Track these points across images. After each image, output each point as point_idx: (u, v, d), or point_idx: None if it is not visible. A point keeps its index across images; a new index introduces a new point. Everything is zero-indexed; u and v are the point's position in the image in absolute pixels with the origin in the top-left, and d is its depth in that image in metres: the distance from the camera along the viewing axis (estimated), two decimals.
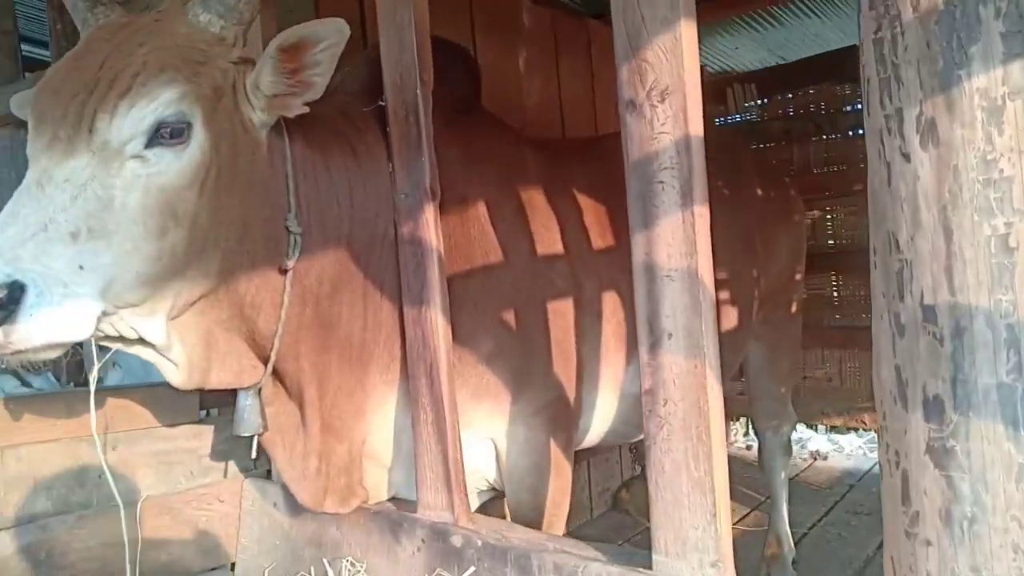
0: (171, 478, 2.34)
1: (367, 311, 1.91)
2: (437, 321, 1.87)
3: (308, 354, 1.83)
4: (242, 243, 1.63)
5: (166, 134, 1.48)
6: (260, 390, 1.85)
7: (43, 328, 1.33)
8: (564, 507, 2.30)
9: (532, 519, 2.24)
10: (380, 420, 2.02)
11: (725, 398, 1.48)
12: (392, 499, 2.19)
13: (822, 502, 4.56)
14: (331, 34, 1.60)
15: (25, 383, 3.32)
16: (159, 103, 1.47)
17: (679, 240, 1.42)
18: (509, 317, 2.08)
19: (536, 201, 2.25)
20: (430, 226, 1.86)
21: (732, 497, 4.53)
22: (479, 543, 1.81)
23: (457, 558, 1.84)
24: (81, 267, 1.37)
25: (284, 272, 1.73)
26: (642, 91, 1.44)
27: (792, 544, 3.56)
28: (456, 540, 1.85)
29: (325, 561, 2.16)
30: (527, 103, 3.70)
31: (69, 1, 1.66)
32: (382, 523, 2.04)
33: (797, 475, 5.04)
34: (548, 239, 2.22)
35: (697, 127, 1.41)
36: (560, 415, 2.23)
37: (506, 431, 2.16)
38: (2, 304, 1.28)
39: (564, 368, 2.21)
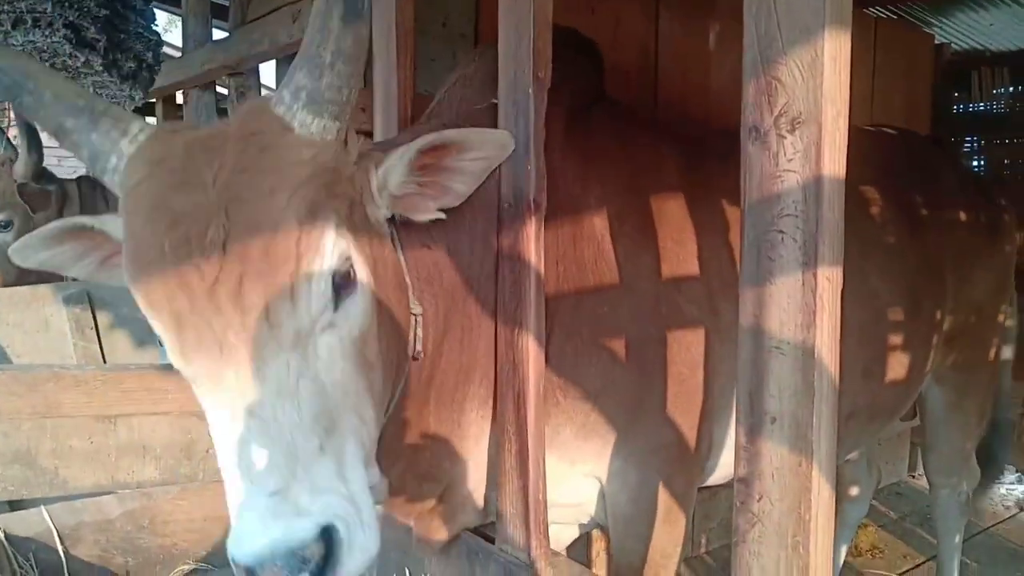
0: None
1: (463, 352, 1.71)
2: (529, 346, 1.69)
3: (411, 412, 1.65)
4: (394, 351, 1.44)
5: (340, 286, 1.25)
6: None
7: (361, 559, 1.18)
8: (675, 559, 2.06)
9: (636, 567, 2.03)
10: (477, 457, 1.86)
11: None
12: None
13: (1019, 566, 3.89)
14: (489, 146, 1.40)
15: None
16: (332, 261, 1.23)
17: (795, 307, 1.14)
18: (624, 348, 1.85)
19: (669, 210, 1.97)
20: (530, 241, 1.67)
21: (911, 538, 3.96)
22: None
23: None
24: (345, 477, 1.20)
25: (415, 359, 1.54)
26: (769, 116, 1.16)
27: None
28: None
29: (407, 570, 2.09)
30: (713, 85, 3.37)
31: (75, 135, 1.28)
32: (461, 548, 1.92)
33: (994, 526, 4.36)
34: (680, 257, 1.95)
35: (835, 168, 1.11)
36: (680, 457, 1.98)
37: (615, 472, 1.95)
38: (324, 560, 1.13)
39: (689, 405, 1.95)
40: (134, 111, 3.85)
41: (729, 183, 1.88)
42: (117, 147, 1.25)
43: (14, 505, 2.17)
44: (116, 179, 1.26)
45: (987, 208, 2.80)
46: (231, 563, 1.13)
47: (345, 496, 1.19)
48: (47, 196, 3.99)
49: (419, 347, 1.54)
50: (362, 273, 1.30)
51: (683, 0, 3.28)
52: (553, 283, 1.80)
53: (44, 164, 4.08)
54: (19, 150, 3.97)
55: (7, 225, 3.90)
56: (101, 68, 2.83)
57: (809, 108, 1.10)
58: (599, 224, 1.86)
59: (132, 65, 2.98)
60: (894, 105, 4.20)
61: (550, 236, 1.77)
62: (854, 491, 3.27)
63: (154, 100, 4.18)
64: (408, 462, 1.68)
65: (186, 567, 2.16)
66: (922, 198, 2.57)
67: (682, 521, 2.00)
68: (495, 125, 1.76)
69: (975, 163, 4.87)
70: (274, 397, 1.15)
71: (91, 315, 3.42)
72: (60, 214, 4.02)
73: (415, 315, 1.53)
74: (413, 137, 1.50)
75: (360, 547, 1.17)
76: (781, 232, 1.15)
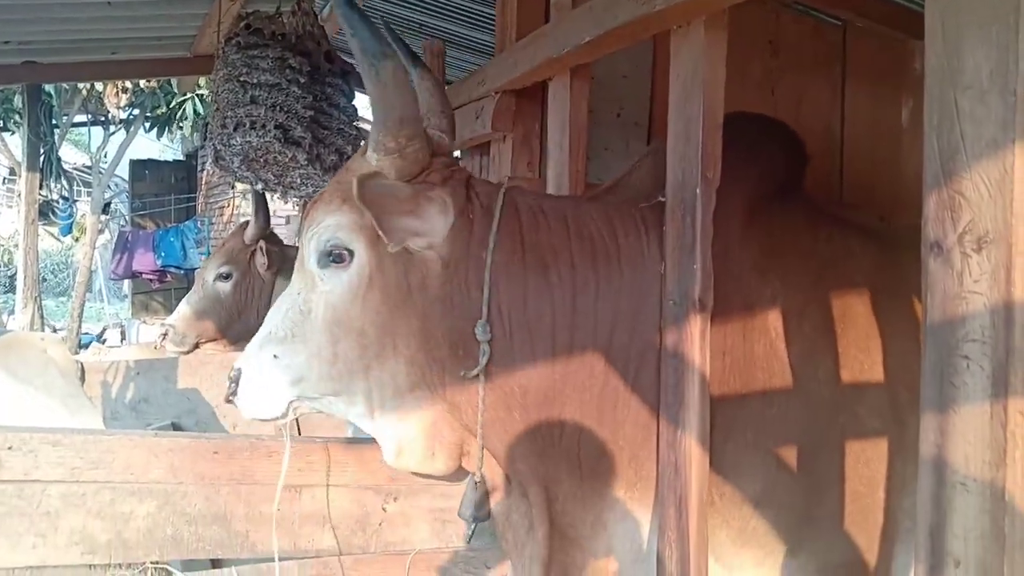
0: (444, 535, 2.41)
1: (603, 425, 1.74)
2: (691, 449, 1.64)
3: (525, 456, 1.76)
4: (427, 351, 1.71)
5: (335, 257, 1.71)
6: (477, 482, 1.85)
7: (247, 403, 1.77)
8: None
9: None
10: (627, 538, 1.83)
11: None
12: None
13: None
14: None
15: None
16: (322, 229, 1.71)
17: (982, 442, 1.04)
18: (790, 455, 1.76)
19: (855, 312, 1.84)
20: (695, 340, 1.64)
21: None
22: None
23: None
24: (276, 356, 1.73)
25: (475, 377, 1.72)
26: (952, 232, 1.08)
27: None
28: None
29: None
30: (906, 168, 3.16)
31: None
32: None
33: None
34: (862, 362, 1.82)
35: None
36: None
37: None
38: (234, 383, 1.78)
39: (865, 526, 1.79)
40: None
41: None
42: None
43: (215, 563, 2.37)
44: None
45: None
46: None
47: (265, 371, 1.78)
48: (276, 255, 4.40)
49: (476, 371, 1.68)
50: (359, 267, 1.71)
51: (872, 71, 3.13)
52: (717, 376, 1.75)
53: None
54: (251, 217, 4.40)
55: (227, 276, 4.32)
56: (306, 162, 3.15)
57: (998, 227, 1.02)
58: (773, 319, 1.79)
59: (334, 158, 3.29)
60: None
61: (718, 328, 1.72)
62: None
63: None
64: (538, 507, 1.78)
65: None
66: None
67: None
68: (662, 222, 1.76)
69: None
70: (292, 294, 1.82)
71: None
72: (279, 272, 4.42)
73: (480, 341, 1.68)
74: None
75: (246, 399, 1.79)
76: (966, 358, 1.06)
